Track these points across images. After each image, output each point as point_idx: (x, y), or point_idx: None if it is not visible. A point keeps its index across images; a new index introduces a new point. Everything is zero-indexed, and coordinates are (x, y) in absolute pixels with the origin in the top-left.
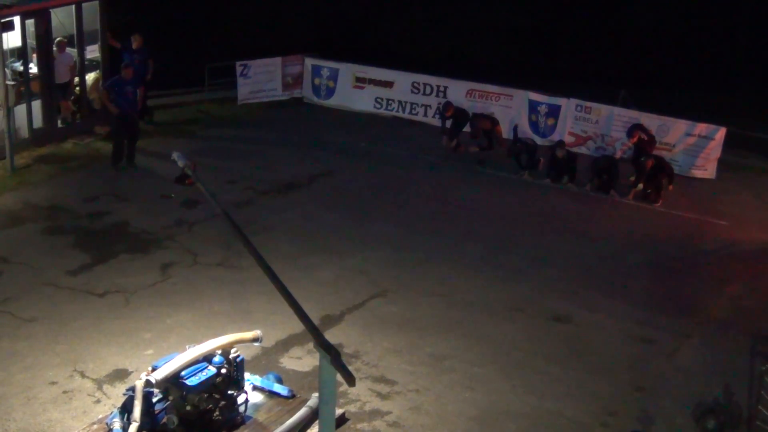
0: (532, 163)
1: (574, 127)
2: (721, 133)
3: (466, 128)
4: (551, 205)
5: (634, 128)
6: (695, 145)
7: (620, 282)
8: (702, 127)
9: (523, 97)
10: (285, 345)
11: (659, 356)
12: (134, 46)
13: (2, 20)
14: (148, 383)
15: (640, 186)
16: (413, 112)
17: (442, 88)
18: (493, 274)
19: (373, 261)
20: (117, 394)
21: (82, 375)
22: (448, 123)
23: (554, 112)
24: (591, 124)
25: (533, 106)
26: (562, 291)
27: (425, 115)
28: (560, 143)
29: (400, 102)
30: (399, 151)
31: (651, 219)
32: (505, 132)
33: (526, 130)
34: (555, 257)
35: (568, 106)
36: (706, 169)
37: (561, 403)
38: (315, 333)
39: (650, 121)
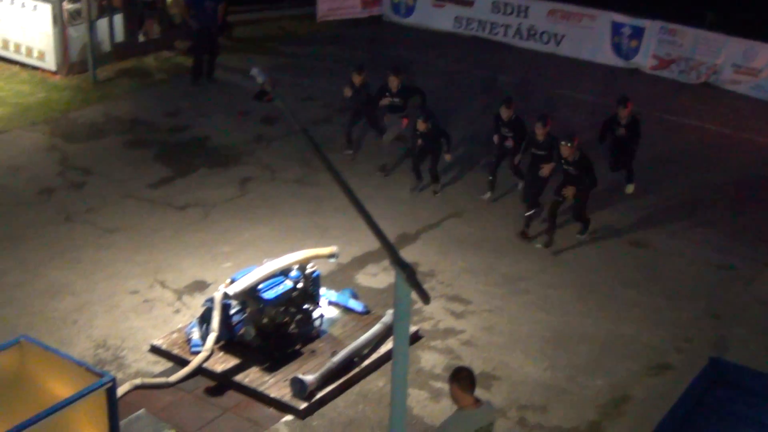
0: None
1: (657, 49)
2: None
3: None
4: None
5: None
6: None
7: (702, 209)
8: None
9: (606, 18)
10: (361, 262)
11: (737, 284)
12: None
13: None
14: (226, 295)
15: None
16: (494, 32)
17: (523, 8)
18: None
19: (449, 181)
20: (196, 305)
21: (163, 285)
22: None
23: (637, 33)
24: (676, 47)
25: (616, 28)
26: (643, 217)
27: (505, 35)
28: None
29: (479, 21)
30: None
31: (736, 147)
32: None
33: (607, 52)
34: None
35: (652, 27)
36: None
37: (636, 327)
38: (391, 250)
39: (736, 44)
